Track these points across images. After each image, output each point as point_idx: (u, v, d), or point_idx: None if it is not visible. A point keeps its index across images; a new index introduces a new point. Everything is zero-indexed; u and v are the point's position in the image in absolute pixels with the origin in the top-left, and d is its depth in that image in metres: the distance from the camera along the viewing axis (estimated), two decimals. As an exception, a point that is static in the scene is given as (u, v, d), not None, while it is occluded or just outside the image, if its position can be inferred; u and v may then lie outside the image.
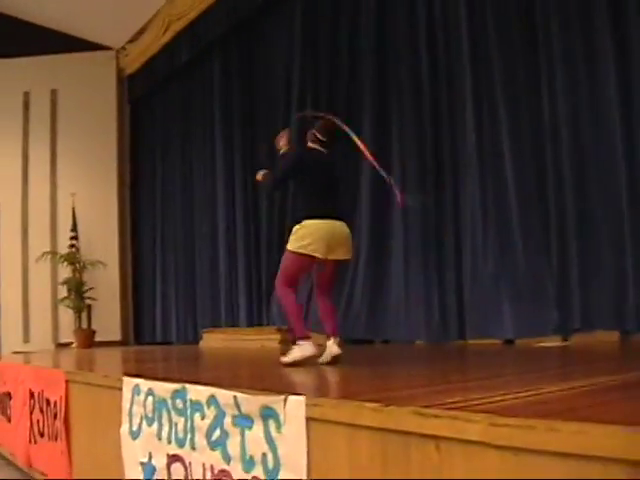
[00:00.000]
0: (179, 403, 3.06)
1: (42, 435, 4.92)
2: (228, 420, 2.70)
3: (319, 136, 4.26)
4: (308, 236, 3.96)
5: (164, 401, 3.17)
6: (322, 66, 8.30)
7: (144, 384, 3.37)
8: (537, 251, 5.83)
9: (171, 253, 11.53)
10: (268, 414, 2.48)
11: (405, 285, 6.96)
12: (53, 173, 12.28)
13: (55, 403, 4.63)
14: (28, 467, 5.25)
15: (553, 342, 5.43)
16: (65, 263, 11.60)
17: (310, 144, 4.30)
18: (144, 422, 3.34)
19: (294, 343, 4.09)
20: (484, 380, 2.83)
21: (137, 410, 3.42)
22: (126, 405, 3.52)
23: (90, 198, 12.13)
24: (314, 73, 8.39)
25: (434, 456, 1.91)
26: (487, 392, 2.22)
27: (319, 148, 4.26)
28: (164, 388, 3.18)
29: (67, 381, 4.46)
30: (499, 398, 2.08)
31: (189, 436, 2.96)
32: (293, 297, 4.09)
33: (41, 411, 4.94)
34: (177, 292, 11.22)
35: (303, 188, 4.20)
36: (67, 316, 11.69)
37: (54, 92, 12.44)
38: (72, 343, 11.34)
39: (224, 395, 2.73)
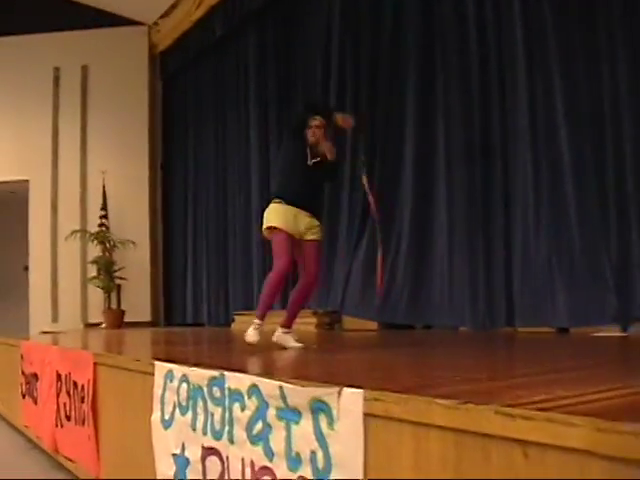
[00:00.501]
0: (216, 391, 2.80)
1: (69, 419, 4.71)
2: (272, 412, 2.43)
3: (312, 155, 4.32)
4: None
5: (200, 389, 2.91)
6: (363, 43, 7.93)
7: (178, 370, 3.11)
8: (594, 232, 5.39)
9: (203, 233, 11.29)
10: (319, 408, 2.21)
11: (449, 267, 6.63)
12: (83, 150, 12.09)
13: (83, 386, 4.40)
14: (54, 451, 5.04)
15: (611, 332, 5.06)
16: (95, 242, 11.40)
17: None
18: (177, 411, 3.09)
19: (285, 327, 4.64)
20: (562, 373, 2.52)
21: (170, 397, 3.17)
22: (158, 392, 3.27)
23: (121, 176, 11.84)
24: (354, 50, 8.03)
25: (520, 464, 1.62)
26: (573, 388, 1.93)
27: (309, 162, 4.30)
28: (200, 375, 2.92)
29: (95, 364, 4.22)
30: (593, 397, 1.78)
31: (227, 428, 2.71)
32: (282, 279, 4.34)
33: (68, 394, 4.72)
34: (209, 273, 10.99)
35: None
36: (96, 296, 11.52)
37: (85, 68, 12.25)
38: (101, 323, 11.17)
39: (268, 385, 2.46)
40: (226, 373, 2.75)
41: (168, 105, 12.74)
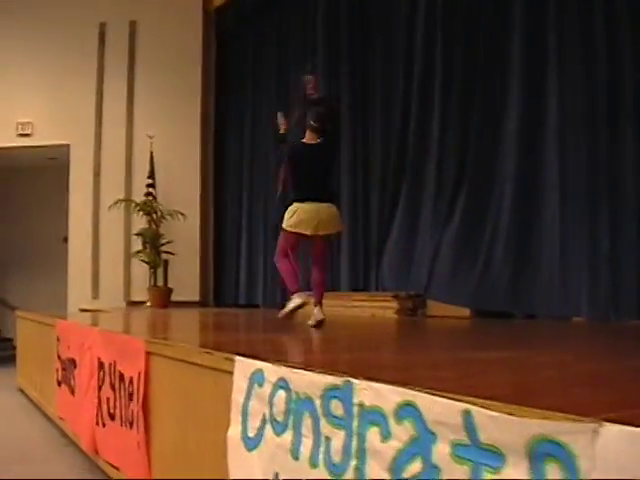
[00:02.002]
0: (337, 407, 1.92)
1: (113, 418, 3.90)
2: (443, 449, 1.54)
3: (313, 124, 4.76)
4: (293, 216, 4.70)
5: (309, 401, 2.03)
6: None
7: (272, 371, 2.24)
8: None
9: (260, 205, 10.47)
10: (547, 452, 1.31)
11: (561, 247, 5.67)
12: (130, 113, 11.35)
13: (131, 380, 3.58)
14: (93, 453, 4.26)
15: None
16: (140, 213, 10.69)
17: (305, 138, 4.84)
18: (269, 428, 2.22)
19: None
20: None
21: (257, 408, 2.30)
22: (239, 398, 2.41)
23: (170, 141, 11.16)
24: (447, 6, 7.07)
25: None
26: None
27: (311, 141, 4.80)
28: (310, 380, 2.04)
29: (148, 353, 3.39)
30: None
31: (353, 462, 1.83)
32: (285, 261, 4.93)
33: (112, 388, 3.92)
34: (265, 249, 10.15)
35: (292, 177, 4.85)
36: (141, 271, 10.83)
37: (133, 24, 11.49)
38: (145, 302, 10.45)
39: (438, 406, 1.56)
40: (354, 381, 1.87)
41: (223, 65, 11.94)
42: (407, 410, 1.66)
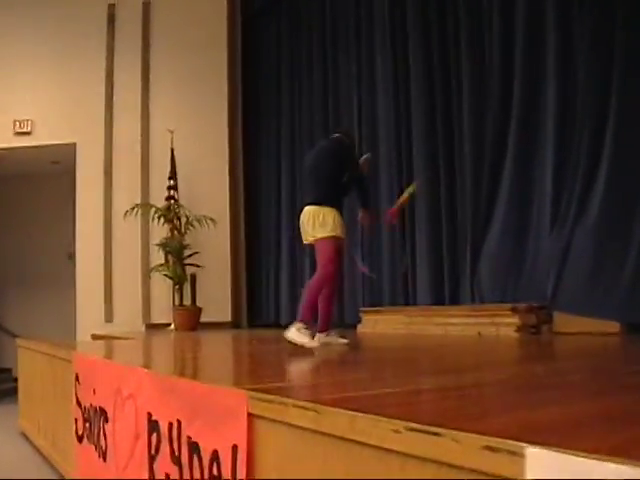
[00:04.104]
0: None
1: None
2: None
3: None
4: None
5: None
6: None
7: None
8: None
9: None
10: None
11: None
12: (145, 104, 10.28)
13: (216, 456, 2.25)
14: None
15: None
16: (161, 219, 9.44)
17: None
18: None
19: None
20: None
21: None
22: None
23: (193, 135, 10.11)
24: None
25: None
26: None
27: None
28: None
29: (252, 415, 2.04)
30: None
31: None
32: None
33: (177, 462, 2.58)
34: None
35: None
36: (163, 289, 9.67)
37: (146, 4, 10.50)
38: (169, 324, 9.19)
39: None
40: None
41: (252, 47, 10.85)
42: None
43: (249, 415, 2.08)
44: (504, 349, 4.37)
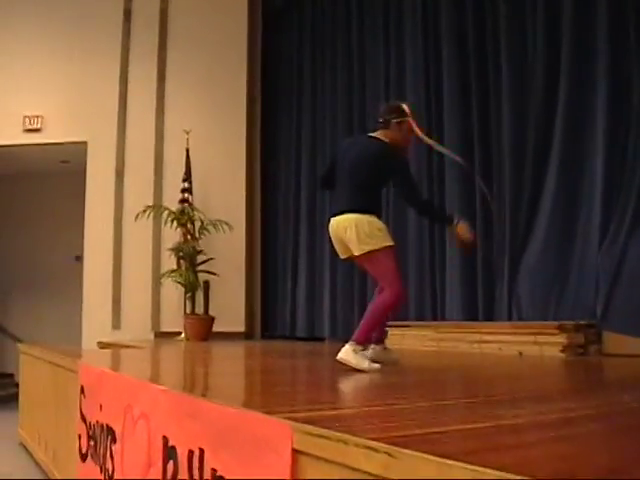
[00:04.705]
0: None
1: None
2: None
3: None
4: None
5: None
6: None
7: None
8: None
9: (324, 215, 8.63)
10: None
11: None
12: (160, 103, 9.86)
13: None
14: None
15: None
16: (174, 223, 9.07)
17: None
18: None
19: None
20: None
21: None
22: None
23: (210, 136, 9.77)
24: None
25: None
26: None
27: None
28: None
29: (296, 452, 1.67)
30: None
31: None
32: None
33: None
34: (333, 268, 8.46)
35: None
36: (174, 296, 9.27)
37: (164, 1, 10.09)
38: (179, 333, 8.87)
39: None
40: None
41: (272, 46, 10.51)
42: None
43: (294, 452, 1.72)
44: (563, 371, 4.00)
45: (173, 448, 2.42)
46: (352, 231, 3.87)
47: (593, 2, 5.52)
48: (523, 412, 2.08)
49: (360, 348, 3.75)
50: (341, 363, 3.70)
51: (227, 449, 2.03)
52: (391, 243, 3.89)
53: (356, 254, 3.92)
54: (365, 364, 3.65)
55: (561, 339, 4.92)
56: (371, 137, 4.21)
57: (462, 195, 6.57)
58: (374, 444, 1.45)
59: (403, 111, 4.17)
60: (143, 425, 2.73)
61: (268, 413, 1.92)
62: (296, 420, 1.80)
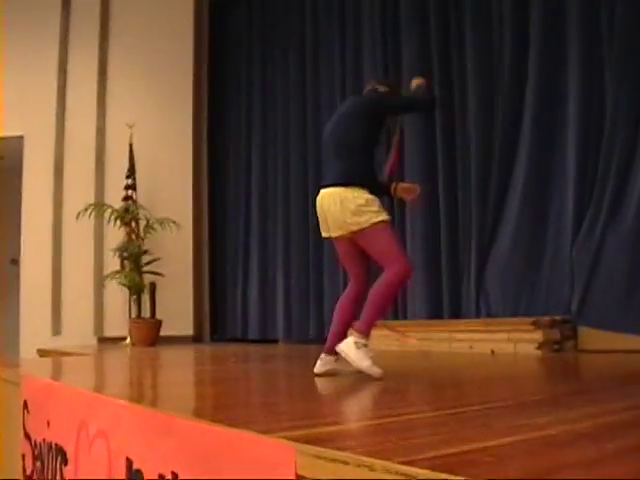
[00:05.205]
0: None
1: None
2: None
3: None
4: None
5: None
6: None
7: None
8: None
9: (279, 210, 8.59)
10: None
11: None
12: (102, 95, 9.47)
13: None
14: None
15: None
16: (117, 222, 8.69)
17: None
18: None
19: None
20: None
21: None
22: None
23: (154, 131, 9.41)
24: None
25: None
26: None
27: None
28: None
29: (301, 478, 1.39)
30: None
31: None
32: None
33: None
34: (287, 265, 8.21)
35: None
36: (118, 299, 8.89)
37: None
38: (125, 338, 8.48)
39: None
40: None
41: (221, 39, 10.15)
42: None
43: (298, 478, 1.44)
44: (553, 370, 3.80)
45: (139, 472, 2.11)
46: (336, 208, 3.45)
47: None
48: (547, 420, 1.83)
49: (363, 342, 3.25)
50: (333, 356, 3.44)
51: (210, 474, 1.73)
52: (384, 218, 3.41)
53: (347, 230, 3.46)
54: (365, 363, 3.22)
55: (536, 336, 4.73)
56: (343, 105, 3.89)
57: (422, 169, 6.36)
58: (412, 471, 1.18)
59: (388, 81, 4.00)
60: (101, 445, 2.41)
61: (262, 432, 1.63)
62: (296, 440, 1.52)
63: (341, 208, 3.42)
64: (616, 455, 1.38)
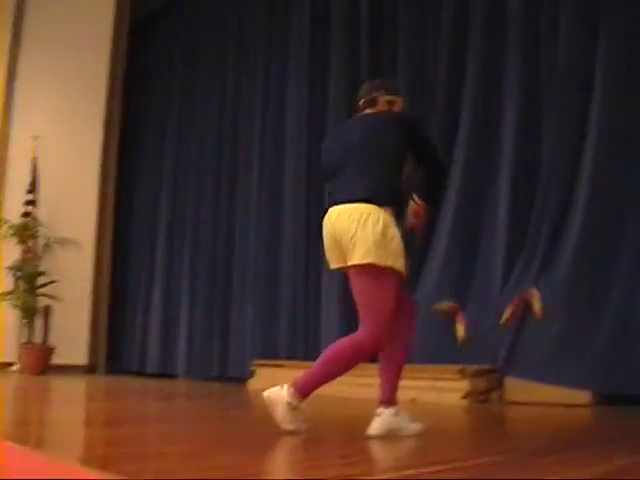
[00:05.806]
0: None
1: None
2: None
3: None
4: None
5: None
6: None
7: None
8: None
9: (189, 234, 8.41)
10: None
11: None
12: (6, 105, 9.08)
13: None
14: None
15: None
16: (14, 238, 8.31)
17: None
18: None
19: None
20: None
21: None
22: None
23: (61, 145, 9.10)
24: None
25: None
26: None
27: None
28: None
29: None
30: None
31: None
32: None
33: None
34: (192, 297, 7.94)
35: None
36: (9, 321, 8.35)
37: None
38: (12, 364, 8.06)
39: None
40: None
41: (140, 54, 9.91)
42: None
43: None
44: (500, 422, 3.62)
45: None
46: (360, 226, 2.80)
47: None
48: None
49: (297, 401, 2.76)
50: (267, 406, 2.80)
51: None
52: (401, 268, 2.84)
53: (355, 262, 2.82)
54: (291, 425, 2.77)
55: (463, 385, 4.58)
56: (367, 114, 3.14)
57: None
58: None
59: (395, 88, 3.23)
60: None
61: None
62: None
63: (364, 225, 2.79)
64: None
